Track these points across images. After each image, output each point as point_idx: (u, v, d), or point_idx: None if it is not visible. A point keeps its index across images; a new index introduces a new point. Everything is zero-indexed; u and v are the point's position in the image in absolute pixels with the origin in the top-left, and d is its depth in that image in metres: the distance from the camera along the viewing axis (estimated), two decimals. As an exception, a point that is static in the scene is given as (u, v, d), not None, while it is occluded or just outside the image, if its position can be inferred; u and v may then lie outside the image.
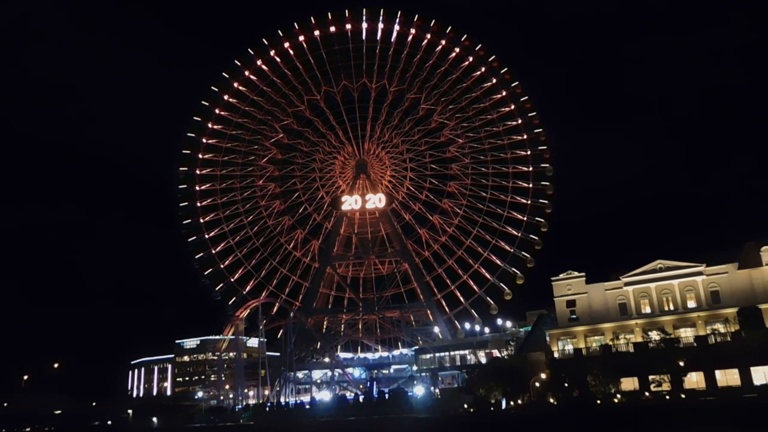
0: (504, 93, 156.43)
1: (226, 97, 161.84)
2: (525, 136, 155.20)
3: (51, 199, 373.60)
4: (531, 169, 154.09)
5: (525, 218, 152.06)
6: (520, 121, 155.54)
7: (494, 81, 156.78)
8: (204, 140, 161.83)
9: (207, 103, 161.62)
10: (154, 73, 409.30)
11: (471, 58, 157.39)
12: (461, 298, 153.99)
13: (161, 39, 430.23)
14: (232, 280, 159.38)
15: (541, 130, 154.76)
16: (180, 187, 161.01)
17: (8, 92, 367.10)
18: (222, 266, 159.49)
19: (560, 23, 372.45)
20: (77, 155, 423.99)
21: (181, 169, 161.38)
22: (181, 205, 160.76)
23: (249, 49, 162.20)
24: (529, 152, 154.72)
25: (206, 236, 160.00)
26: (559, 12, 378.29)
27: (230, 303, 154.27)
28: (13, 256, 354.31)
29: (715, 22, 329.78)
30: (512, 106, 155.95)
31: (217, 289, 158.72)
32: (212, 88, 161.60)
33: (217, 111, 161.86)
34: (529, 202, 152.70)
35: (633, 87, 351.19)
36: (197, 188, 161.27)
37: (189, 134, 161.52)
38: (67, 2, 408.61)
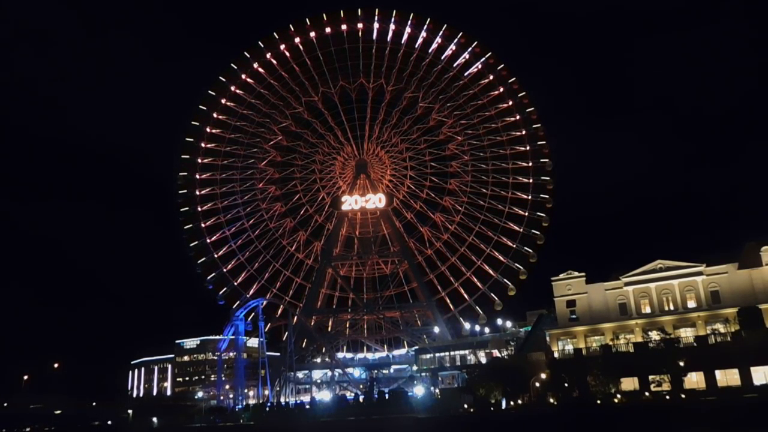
0: (501, 89, 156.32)
1: (223, 101, 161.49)
2: (524, 132, 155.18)
3: (51, 199, 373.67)
4: (531, 164, 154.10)
5: (526, 214, 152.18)
6: (518, 117, 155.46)
7: (491, 78, 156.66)
8: (203, 144, 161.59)
9: (204, 108, 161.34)
10: (154, 73, 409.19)
11: (467, 56, 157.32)
12: (465, 296, 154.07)
13: (160, 39, 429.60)
14: (236, 283, 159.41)
15: (539, 125, 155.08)
16: (180, 192, 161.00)
17: (8, 92, 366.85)
18: (225, 270, 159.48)
19: (563, 21, 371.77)
20: (77, 155, 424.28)
21: (180, 174, 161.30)
22: (182, 210, 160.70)
23: (245, 52, 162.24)
24: (528, 148, 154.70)
25: (208, 240, 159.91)
26: (562, 9, 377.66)
27: (234, 306, 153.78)
28: (13, 256, 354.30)
29: (720, 21, 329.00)
30: (510, 103, 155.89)
31: (221, 293, 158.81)
32: (209, 92, 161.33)
33: (214, 115, 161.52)
34: (529, 197, 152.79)
35: (634, 86, 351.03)
36: (197, 193, 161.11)
37: (187, 139, 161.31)
38: (67, 2, 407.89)
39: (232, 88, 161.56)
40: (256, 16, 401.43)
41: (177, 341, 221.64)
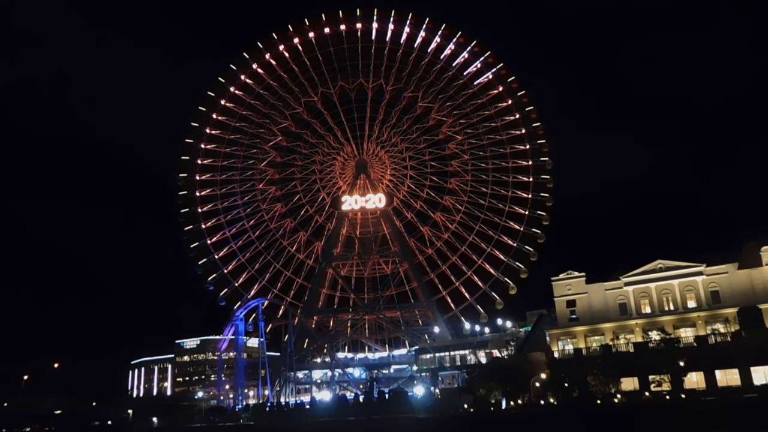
0: (501, 88, 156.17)
1: (222, 102, 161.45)
2: (523, 131, 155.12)
3: (51, 199, 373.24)
4: (530, 163, 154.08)
5: (526, 212, 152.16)
6: (517, 116, 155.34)
7: (490, 77, 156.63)
8: (202, 145, 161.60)
9: (204, 108, 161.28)
10: (154, 73, 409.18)
11: (466, 55, 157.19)
12: (466, 295, 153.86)
13: (160, 40, 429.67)
14: (236, 284, 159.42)
15: (539, 124, 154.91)
16: (180, 193, 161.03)
17: (8, 92, 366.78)
18: (225, 271, 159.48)
19: (563, 20, 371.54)
20: (77, 155, 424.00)
21: (180, 175, 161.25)
22: (182, 211, 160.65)
23: (244, 53, 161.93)
24: (528, 146, 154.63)
25: (208, 242, 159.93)
26: (561, 8, 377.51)
27: (235, 307, 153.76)
28: (13, 256, 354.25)
29: (720, 21, 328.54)
30: (509, 102, 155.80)
31: (221, 294, 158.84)
32: (209, 93, 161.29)
33: (214, 116, 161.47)
34: (529, 196, 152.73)
35: (634, 86, 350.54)
36: (197, 194, 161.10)
37: (187, 140, 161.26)
38: (67, 2, 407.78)
39: (232, 89, 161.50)
40: (255, 16, 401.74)
41: (177, 341, 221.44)
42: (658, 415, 74.29)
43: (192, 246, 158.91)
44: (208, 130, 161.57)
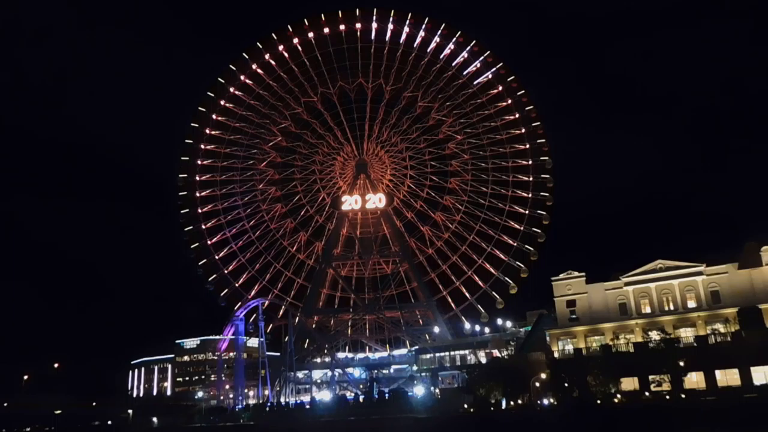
0: (500, 88, 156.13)
1: (222, 102, 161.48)
2: (523, 130, 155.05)
3: (51, 199, 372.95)
4: (530, 162, 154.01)
5: (527, 212, 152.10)
6: (517, 116, 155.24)
7: (490, 76, 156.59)
8: (202, 146, 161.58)
9: (204, 109, 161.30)
10: (153, 73, 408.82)
11: (466, 55, 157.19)
12: (467, 294, 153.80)
13: (159, 40, 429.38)
14: (237, 285, 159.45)
15: (539, 123, 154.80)
16: (180, 194, 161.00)
17: (8, 92, 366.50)
18: (225, 271, 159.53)
19: (563, 20, 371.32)
20: (77, 155, 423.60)
21: (180, 176, 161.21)
22: (182, 212, 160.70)
23: (244, 53, 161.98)
24: (528, 146, 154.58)
25: (209, 242, 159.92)
26: (561, 7, 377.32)
27: (235, 307, 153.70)
28: (12, 256, 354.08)
29: (720, 20, 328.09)
30: (509, 101, 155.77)
31: (222, 294, 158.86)
32: (209, 93, 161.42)
33: (214, 116, 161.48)
34: (530, 195, 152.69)
35: (635, 86, 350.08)
36: (197, 194, 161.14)
37: (187, 141, 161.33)
38: (67, 1, 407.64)
39: (231, 89, 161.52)
40: (255, 16, 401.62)
41: (177, 341, 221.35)
42: (658, 415, 74.26)
43: (192, 246, 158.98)
44: (208, 131, 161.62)
